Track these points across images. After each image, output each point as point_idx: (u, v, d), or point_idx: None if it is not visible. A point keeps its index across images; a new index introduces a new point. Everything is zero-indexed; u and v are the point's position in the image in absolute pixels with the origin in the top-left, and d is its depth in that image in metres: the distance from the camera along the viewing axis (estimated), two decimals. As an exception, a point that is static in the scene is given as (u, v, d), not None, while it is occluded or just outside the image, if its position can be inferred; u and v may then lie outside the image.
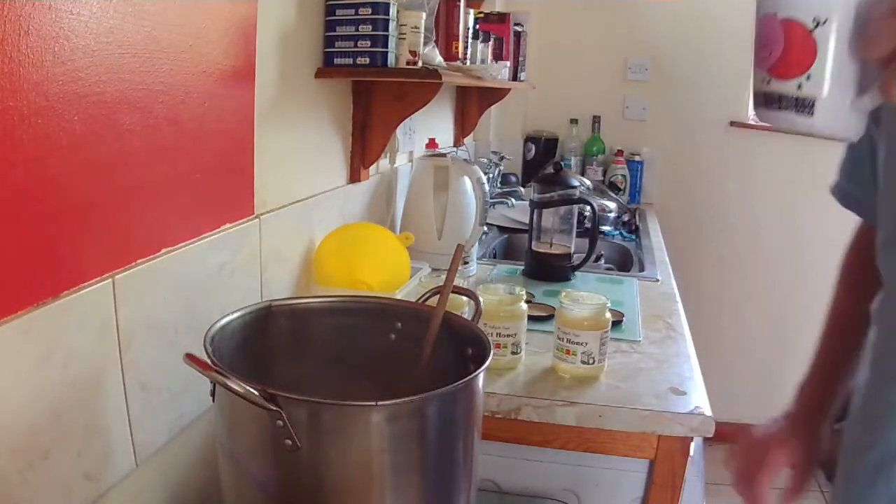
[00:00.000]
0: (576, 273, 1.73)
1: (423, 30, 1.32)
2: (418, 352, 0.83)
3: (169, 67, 0.83)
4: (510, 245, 2.25)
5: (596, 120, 2.96)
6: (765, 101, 0.53)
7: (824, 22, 0.49)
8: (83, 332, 0.73)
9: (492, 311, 1.13)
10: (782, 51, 0.52)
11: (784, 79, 0.52)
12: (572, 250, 1.75)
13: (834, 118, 0.51)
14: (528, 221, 1.76)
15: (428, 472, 0.69)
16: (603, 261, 2.12)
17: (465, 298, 1.03)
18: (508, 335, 1.15)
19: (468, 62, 1.80)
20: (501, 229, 2.27)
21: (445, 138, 2.34)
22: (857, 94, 0.50)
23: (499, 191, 2.53)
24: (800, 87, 0.51)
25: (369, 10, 1.25)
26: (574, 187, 1.73)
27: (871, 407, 0.73)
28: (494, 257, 2.05)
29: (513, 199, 2.32)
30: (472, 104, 2.48)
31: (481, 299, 0.92)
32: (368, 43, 1.26)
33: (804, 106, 0.51)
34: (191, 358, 0.63)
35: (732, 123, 2.89)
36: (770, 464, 0.89)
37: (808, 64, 0.50)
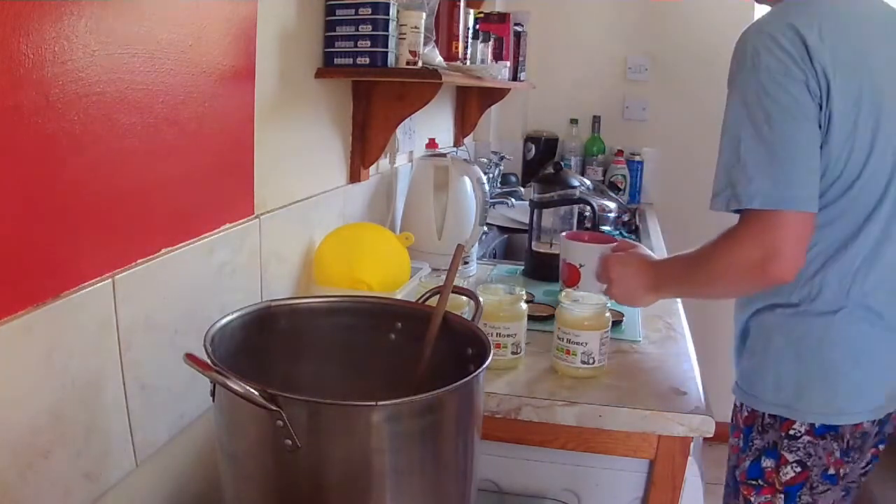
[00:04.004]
0: (576, 273, 1.73)
1: (423, 30, 1.32)
2: (418, 352, 0.83)
3: (169, 67, 0.83)
4: (510, 245, 2.25)
5: (596, 120, 2.95)
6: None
7: (582, 266, 1.36)
8: (83, 332, 0.73)
9: (492, 311, 1.13)
10: (567, 275, 1.39)
11: (569, 286, 1.36)
12: (572, 250, 1.75)
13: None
14: (528, 221, 1.76)
15: (428, 472, 0.69)
16: (603, 261, 2.12)
17: (465, 298, 1.03)
18: (508, 335, 1.15)
19: (468, 62, 1.79)
20: (501, 229, 2.27)
21: (445, 138, 2.34)
22: (598, 292, 1.22)
23: (499, 191, 2.53)
24: (575, 289, 1.28)
25: (369, 10, 1.25)
26: (574, 187, 1.73)
27: None
28: (494, 257, 2.05)
29: (513, 199, 2.32)
30: (472, 104, 2.47)
31: (481, 299, 0.92)
32: (368, 43, 1.26)
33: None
34: (191, 358, 0.63)
35: (732, 123, 2.88)
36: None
37: (577, 281, 1.37)
